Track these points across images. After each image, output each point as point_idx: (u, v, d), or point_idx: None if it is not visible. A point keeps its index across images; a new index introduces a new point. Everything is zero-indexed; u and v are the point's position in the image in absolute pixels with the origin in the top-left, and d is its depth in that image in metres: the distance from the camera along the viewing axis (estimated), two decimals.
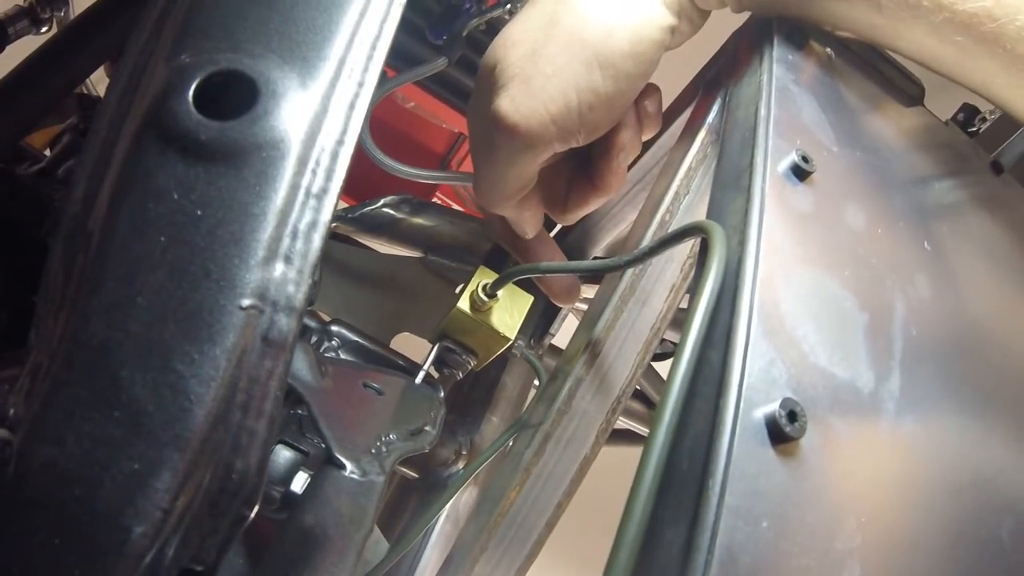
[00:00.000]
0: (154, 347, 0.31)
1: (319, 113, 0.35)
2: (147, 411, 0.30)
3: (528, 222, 0.67)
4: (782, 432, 0.33)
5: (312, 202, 0.34)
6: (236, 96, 0.34)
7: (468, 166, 1.81)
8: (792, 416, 0.34)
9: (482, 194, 0.63)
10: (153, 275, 0.31)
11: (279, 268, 0.32)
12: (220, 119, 0.33)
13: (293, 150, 0.34)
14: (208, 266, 0.31)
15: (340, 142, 0.35)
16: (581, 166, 0.66)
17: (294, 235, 0.33)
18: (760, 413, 0.34)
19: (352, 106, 0.36)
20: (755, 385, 0.34)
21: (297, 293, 0.33)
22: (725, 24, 0.64)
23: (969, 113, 0.90)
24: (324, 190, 0.34)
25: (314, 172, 0.34)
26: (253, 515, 0.33)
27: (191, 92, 0.34)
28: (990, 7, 0.49)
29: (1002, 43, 0.50)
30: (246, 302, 0.32)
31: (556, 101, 0.54)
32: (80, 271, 0.33)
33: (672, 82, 0.64)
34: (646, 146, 0.74)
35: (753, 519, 0.31)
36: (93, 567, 0.29)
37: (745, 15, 0.61)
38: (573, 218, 0.68)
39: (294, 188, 0.33)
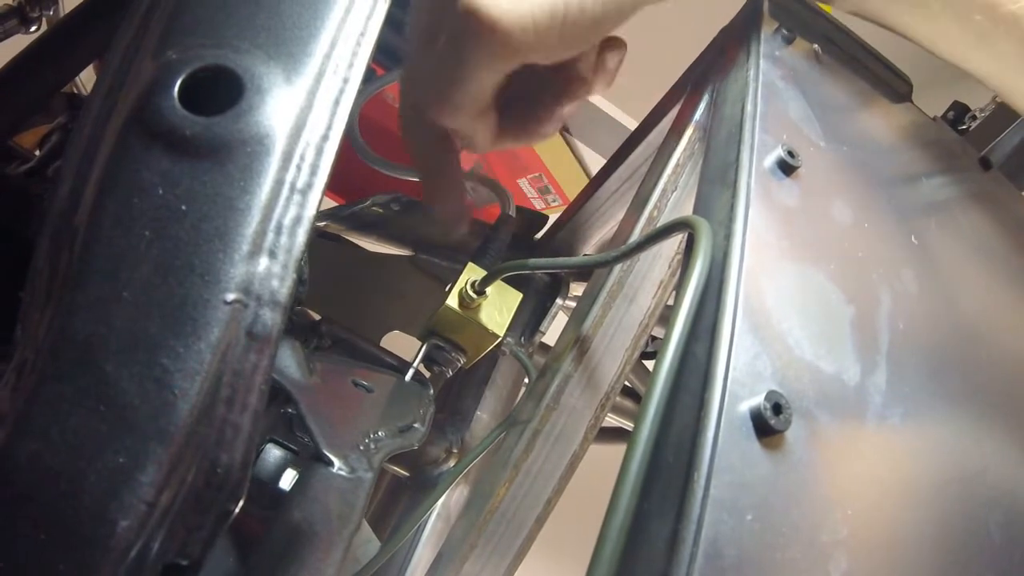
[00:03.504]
0: (139, 342, 0.31)
1: (304, 108, 0.35)
2: (132, 405, 0.30)
3: (481, 134, 0.60)
4: (767, 425, 0.33)
5: (297, 197, 0.34)
6: (222, 92, 0.34)
7: None
8: (777, 409, 0.34)
9: (436, 100, 0.56)
10: (138, 270, 0.31)
11: (263, 263, 0.32)
12: (205, 114, 0.33)
13: (278, 145, 0.34)
14: (192, 261, 0.31)
15: (325, 137, 0.35)
16: (516, 102, 0.61)
17: (278, 230, 0.33)
18: (745, 406, 0.34)
19: (337, 102, 0.36)
20: (740, 378, 0.34)
21: (281, 288, 0.33)
22: (713, 21, 0.64)
23: (959, 111, 0.91)
24: (309, 185, 0.34)
25: (299, 167, 0.34)
26: (238, 510, 0.33)
27: (176, 88, 0.34)
28: None
29: (1021, 25, 0.50)
30: (230, 296, 0.32)
31: (543, 5, 0.49)
32: (66, 267, 0.33)
33: (660, 78, 0.64)
34: (633, 143, 0.75)
35: (738, 512, 0.31)
36: (78, 561, 0.29)
37: (734, 10, 0.61)
38: (487, 149, 0.63)
39: (279, 183, 0.33)
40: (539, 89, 0.60)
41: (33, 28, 0.96)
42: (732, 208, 0.41)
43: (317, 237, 0.99)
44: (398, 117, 0.62)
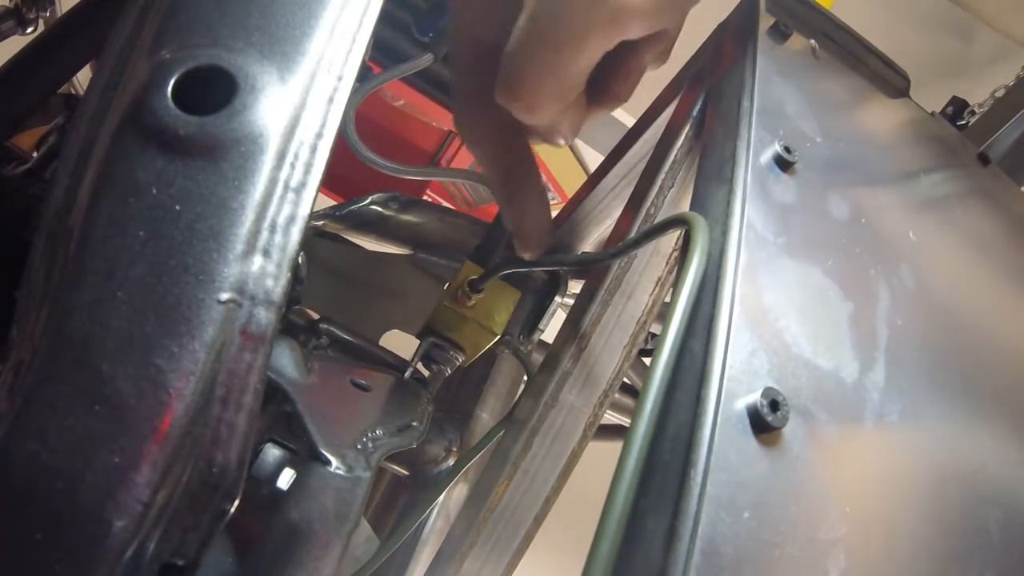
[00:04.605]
0: (134, 342, 0.31)
1: (298, 107, 0.35)
2: (128, 405, 0.30)
3: (571, 122, 0.54)
4: (764, 422, 0.33)
5: (291, 196, 0.34)
6: (215, 91, 0.34)
7: (458, 163, 1.81)
8: (774, 406, 0.34)
9: (532, 87, 0.48)
10: (133, 270, 0.31)
11: (258, 262, 0.32)
12: (199, 114, 0.33)
13: (272, 144, 0.34)
14: (187, 260, 0.31)
15: (319, 136, 0.35)
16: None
17: (272, 229, 0.33)
18: (742, 403, 0.34)
19: (331, 100, 0.36)
20: (737, 375, 0.34)
21: (276, 287, 0.33)
22: (710, 18, 0.64)
23: (958, 106, 0.91)
24: (303, 184, 0.34)
25: (293, 166, 0.34)
26: (234, 509, 0.33)
27: (170, 87, 0.34)
28: None
29: None
30: (225, 296, 0.32)
31: None
32: (61, 267, 0.33)
33: (657, 75, 0.64)
34: (630, 140, 0.75)
35: (735, 509, 0.31)
36: (75, 561, 0.29)
37: (731, 6, 0.61)
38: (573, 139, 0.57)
39: (272, 182, 0.33)
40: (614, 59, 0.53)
41: (30, 29, 0.96)
42: (729, 204, 0.41)
43: (316, 236, 0.99)
44: (460, 130, 0.57)
